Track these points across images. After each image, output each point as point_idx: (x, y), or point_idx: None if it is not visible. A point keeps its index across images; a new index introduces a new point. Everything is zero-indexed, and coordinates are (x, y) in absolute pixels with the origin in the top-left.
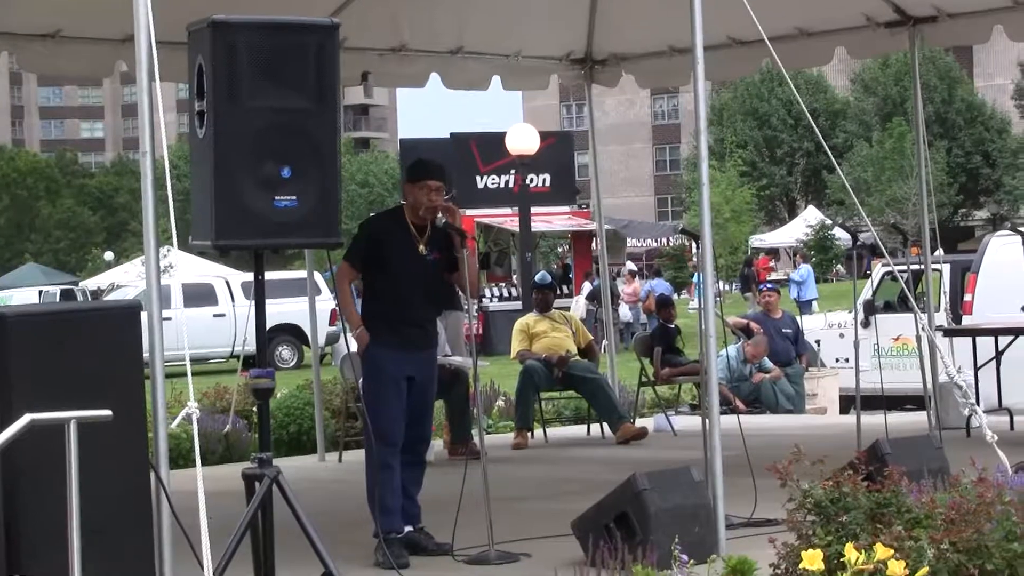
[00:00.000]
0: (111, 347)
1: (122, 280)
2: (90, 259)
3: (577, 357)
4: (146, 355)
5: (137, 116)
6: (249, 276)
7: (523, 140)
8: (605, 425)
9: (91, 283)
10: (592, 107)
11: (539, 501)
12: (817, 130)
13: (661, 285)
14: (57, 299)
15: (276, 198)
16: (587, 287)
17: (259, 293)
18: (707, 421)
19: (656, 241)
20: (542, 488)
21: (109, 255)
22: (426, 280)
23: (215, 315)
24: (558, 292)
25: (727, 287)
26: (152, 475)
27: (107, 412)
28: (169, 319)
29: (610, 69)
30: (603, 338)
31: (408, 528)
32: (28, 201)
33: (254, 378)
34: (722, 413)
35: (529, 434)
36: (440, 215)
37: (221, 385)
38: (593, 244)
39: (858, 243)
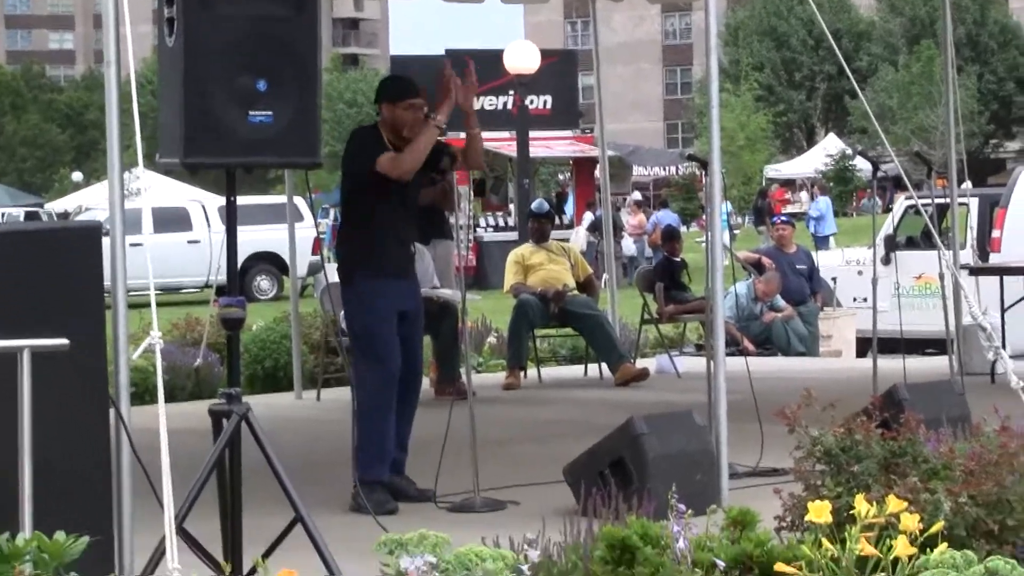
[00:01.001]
0: (69, 272)
1: (91, 202)
2: (57, 179)
3: (575, 292)
4: (108, 283)
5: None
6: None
7: (523, 58)
8: (604, 365)
9: (58, 205)
10: (596, 23)
11: (530, 445)
12: (839, 52)
13: (668, 216)
14: (22, 220)
15: (250, 113)
16: (588, 217)
17: (231, 216)
18: (711, 362)
19: (664, 170)
20: (533, 431)
21: (78, 176)
22: (410, 203)
23: (189, 241)
24: (556, 222)
25: (739, 219)
26: (112, 410)
27: (63, 341)
28: (139, 245)
29: None
30: (604, 272)
31: (391, 476)
32: None
33: (223, 307)
34: (730, 354)
35: (522, 373)
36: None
37: (193, 316)
38: (596, 171)
39: (879, 174)
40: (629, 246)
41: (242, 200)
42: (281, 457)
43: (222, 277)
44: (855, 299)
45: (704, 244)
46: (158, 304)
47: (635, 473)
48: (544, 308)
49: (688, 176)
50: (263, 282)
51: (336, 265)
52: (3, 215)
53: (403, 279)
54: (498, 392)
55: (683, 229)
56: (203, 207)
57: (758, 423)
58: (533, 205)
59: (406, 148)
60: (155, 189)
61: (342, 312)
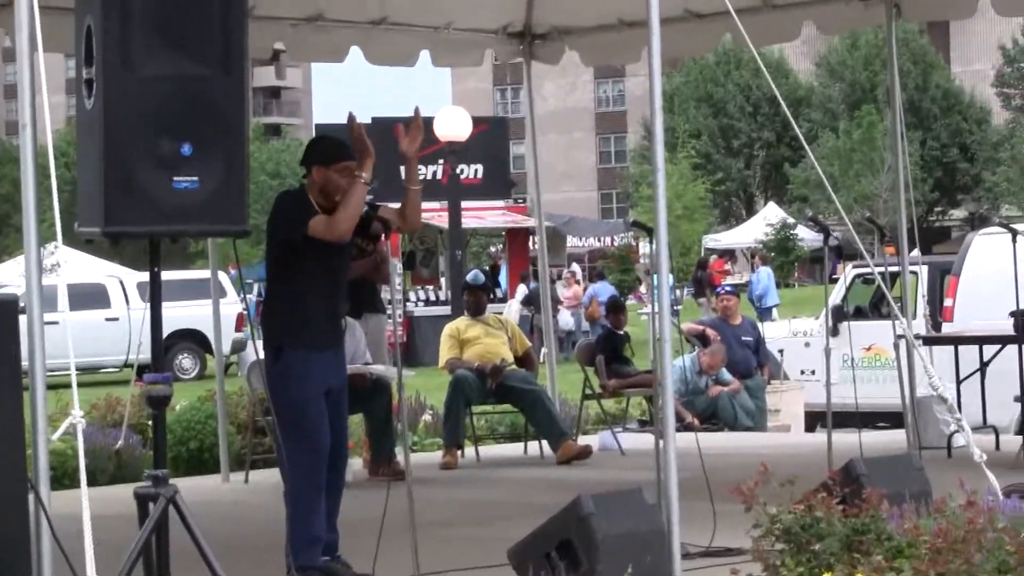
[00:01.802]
0: None
1: (3, 279)
2: None
3: (513, 366)
4: (25, 363)
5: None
6: (146, 276)
7: (453, 125)
8: (544, 443)
9: None
10: (531, 88)
11: (470, 527)
12: (788, 111)
13: (605, 288)
14: None
15: (175, 178)
16: (522, 290)
17: (155, 289)
18: (661, 437)
19: (599, 240)
20: (474, 512)
21: None
22: (339, 272)
23: (107, 319)
24: (490, 295)
25: (679, 292)
26: (31, 495)
27: None
28: (55, 323)
29: (552, 44)
30: (542, 346)
31: (324, 558)
32: None
33: (149, 383)
34: (677, 430)
35: (459, 452)
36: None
37: (113, 396)
38: (530, 242)
39: (829, 241)
40: (567, 319)
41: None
42: (210, 542)
43: (142, 356)
44: (803, 371)
45: (645, 316)
46: (81, 385)
47: (584, 555)
48: (481, 384)
49: (624, 247)
50: (185, 360)
51: (262, 339)
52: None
53: (331, 352)
54: (435, 472)
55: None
56: (121, 283)
57: (710, 501)
58: (468, 276)
59: (338, 208)
60: (72, 264)
61: (270, 389)
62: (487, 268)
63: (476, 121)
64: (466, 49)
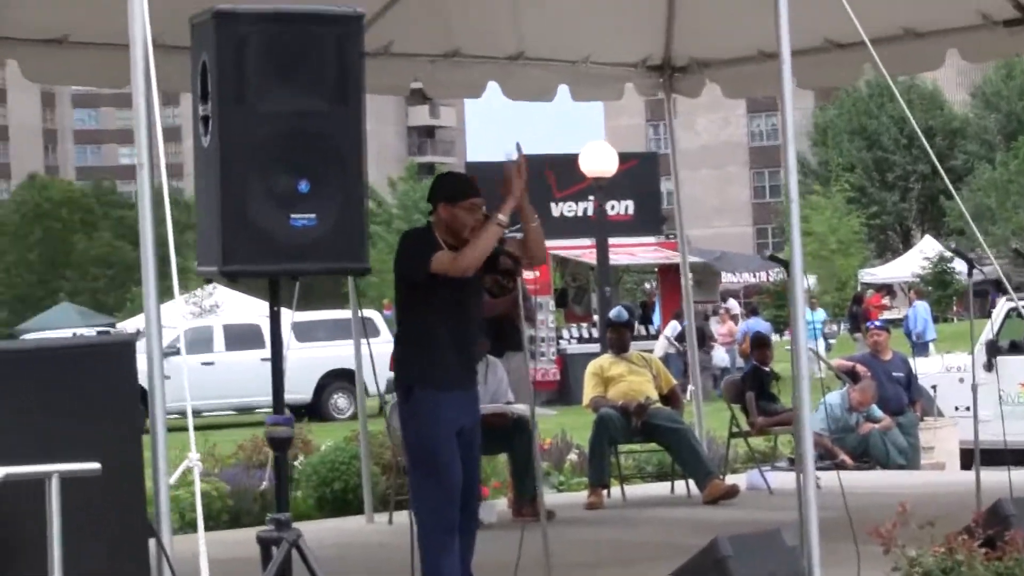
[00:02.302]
0: (101, 389)
1: (166, 321)
2: (129, 298)
3: (659, 404)
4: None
5: (181, 140)
6: (302, 316)
7: (600, 160)
8: (691, 482)
9: (130, 324)
10: (672, 121)
11: (612, 568)
12: (930, 150)
13: (759, 324)
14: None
15: (292, 216)
16: (674, 326)
17: (275, 328)
18: (800, 476)
19: (754, 276)
20: (616, 553)
21: None
22: (470, 310)
23: (263, 359)
24: (642, 332)
25: (835, 327)
26: (152, 540)
27: (95, 465)
28: (211, 364)
29: (692, 76)
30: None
31: None
32: (63, 234)
33: (270, 426)
34: (825, 468)
35: (605, 492)
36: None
37: (259, 437)
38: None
39: (976, 275)
40: (721, 356)
41: (315, 315)
42: None
43: (296, 395)
44: (957, 408)
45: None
46: (229, 425)
47: None
48: (626, 422)
49: (780, 282)
50: (340, 400)
51: (394, 379)
52: (74, 335)
53: (463, 392)
54: (580, 512)
55: (775, 337)
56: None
57: (854, 542)
58: (612, 314)
59: (467, 245)
60: (229, 305)
61: (402, 430)
62: (641, 303)
63: (626, 157)
64: (605, 83)
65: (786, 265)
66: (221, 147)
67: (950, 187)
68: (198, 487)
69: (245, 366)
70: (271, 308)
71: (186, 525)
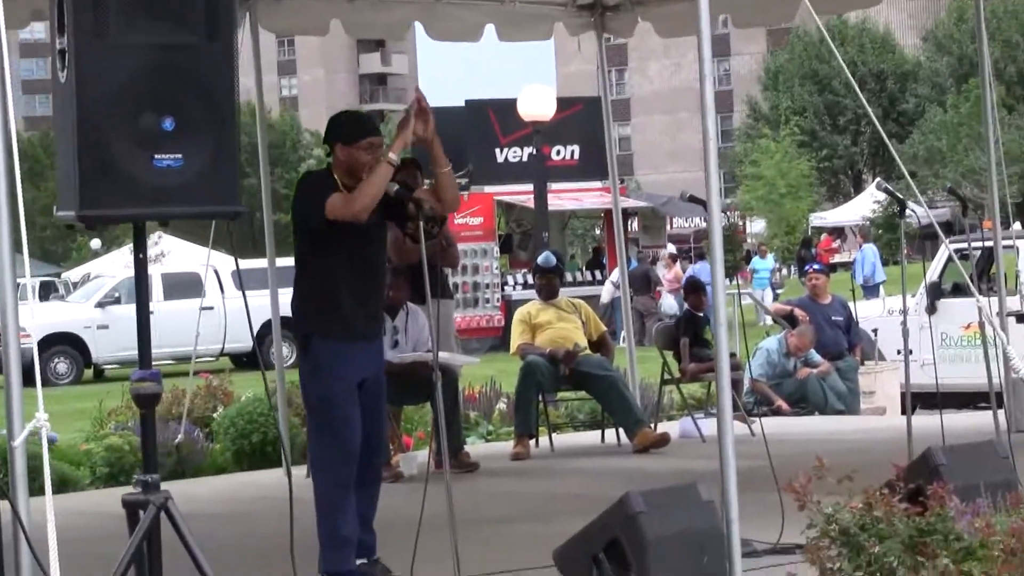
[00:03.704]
0: None
1: (105, 270)
2: (75, 247)
3: (588, 351)
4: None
5: None
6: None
7: (537, 104)
8: (622, 431)
9: (75, 274)
10: (604, 62)
11: (530, 523)
12: (895, 86)
13: (705, 270)
14: (36, 291)
15: (156, 156)
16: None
17: (140, 277)
18: (720, 425)
19: (704, 220)
20: (536, 507)
21: (96, 243)
22: (372, 257)
23: (202, 308)
24: (591, 278)
25: (785, 272)
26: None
27: None
28: (151, 313)
29: (624, 15)
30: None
31: (361, 561)
32: None
33: (135, 381)
34: (763, 415)
35: (532, 442)
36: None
37: (179, 388)
38: (631, 224)
39: (904, 215)
40: (670, 303)
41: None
42: (251, 540)
43: (237, 344)
44: (899, 351)
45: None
46: (171, 375)
47: (632, 556)
48: (554, 370)
49: (729, 227)
50: (284, 348)
51: (293, 330)
52: (17, 286)
53: (366, 342)
54: (505, 463)
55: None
56: (216, 272)
57: (778, 493)
58: (539, 259)
59: (358, 186)
60: (176, 254)
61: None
62: (593, 249)
63: (571, 102)
64: (532, 22)
65: (704, 205)
66: (78, 83)
67: (888, 143)
68: (46, 449)
69: (183, 315)
70: (136, 255)
71: (97, 480)
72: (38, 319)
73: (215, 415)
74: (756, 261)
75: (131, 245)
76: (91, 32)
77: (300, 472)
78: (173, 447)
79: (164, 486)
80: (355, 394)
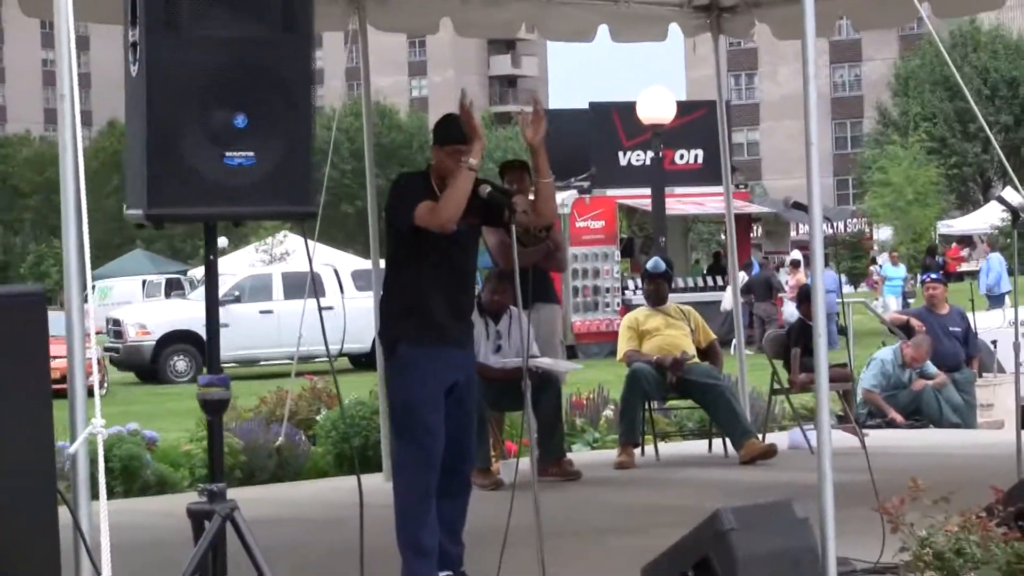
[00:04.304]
0: (6, 346)
1: (231, 268)
2: (203, 245)
3: (696, 360)
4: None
5: None
6: (364, 264)
7: (656, 106)
8: (728, 441)
9: (201, 272)
10: (720, 64)
11: (626, 535)
12: None
13: (828, 277)
14: (162, 289)
15: (227, 154)
16: (741, 277)
17: (210, 277)
18: (818, 440)
19: (831, 226)
20: (634, 518)
21: (223, 242)
22: (463, 263)
23: (322, 308)
24: (713, 283)
25: (914, 282)
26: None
27: None
28: (270, 312)
29: (740, 17)
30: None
31: (445, 573)
32: None
33: (202, 387)
34: (876, 426)
35: (638, 451)
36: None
37: (284, 389)
38: (754, 229)
39: (1018, 224)
40: (792, 310)
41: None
42: (339, 547)
43: (355, 345)
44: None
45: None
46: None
47: (723, 575)
48: (661, 378)
49: (856, 233)
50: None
51: (378, 333)
52: (144, 282)
53: (456, 348)
54: (609, 472)
55: (848, 289)
56: (336, 272)
57: (880, 516)
58: (648, 264)
59: (442, 196)
60: (301, 253)
61: (387, 387)
62: (714, 254)
63: (695, 106)
64: (647, 23)
65: (807, 211)
66: (148, 76)
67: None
68: (101, 456)
69: (305, 315)
70: (207, 256)
71: (196, 481)
72: (160, 316)
73: (318, 417)
74: (888, 268)
75: (258, 243)
76: (163, 25)
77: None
78: (274, 449)
79: (263, 489)
80: (440, 401)
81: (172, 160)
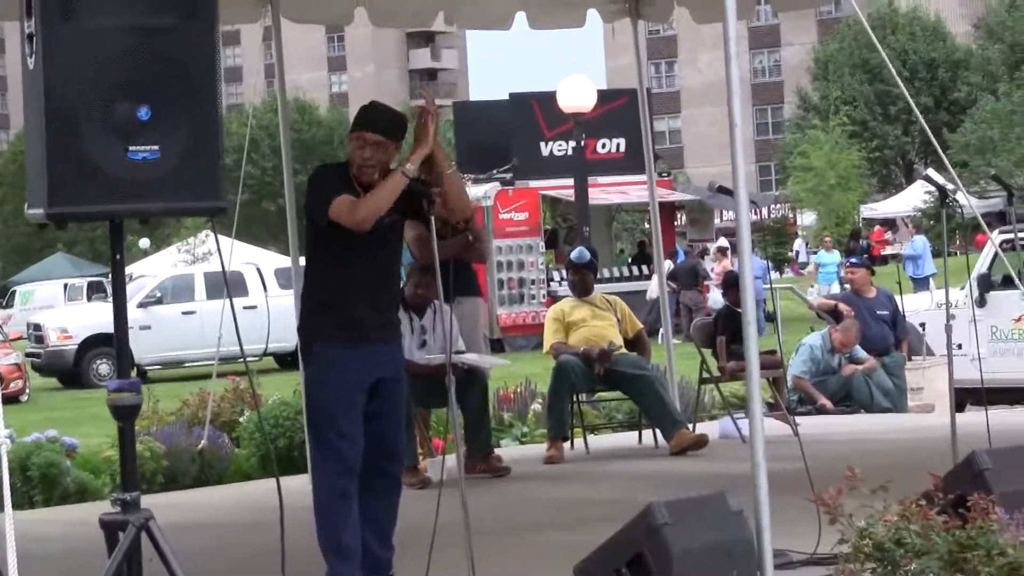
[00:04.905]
0: None
1: (151, 270)
2: (126, 247)
3: (623, 350)
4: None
5: None
6: (287, 262)
7: (577, 95)
8: (659, 432)
9: (127, 273)
10: (639, 52)
11: (556, 531)
12: (946, 75)
13: (756, 263)
14: (84, 292)
15: (131, 148)
16: (667, 266)
17: (117, 276)
18: (750, 430)
19: (755, 213)
20: (565, 514)
21: (145, 243)
22: (385, 258)
23: (245, 307)
24: (638, 272)
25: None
26: None
27: None
28: (192, 313)
29: (660, 1)
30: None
31: None
32: None
33: (113, 392)
34: (806, 413)
35: (566, 444)
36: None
37: (206, 391)
38: (679, 217)
39: (948, 199)
40: (717, 298)
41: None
42: (262, 550)
43: (281, 344)
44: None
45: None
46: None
47: (657, 571)
48: (588, 370)
49: (779, 219)
50: None
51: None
52: (65, 286)
53: (381, 345)
54: (538, 467)
55: (775, 275)
56: (258, 270)
57: (815, 505)
58: (572, 254)
59: (367, 194)
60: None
61: (303, 386)
62: (639, 243)
63: (617, 94)
64: (565, 10)
65: (731, 194)
66: (45, 68)
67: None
68: (5, 466)
69: (226, 314)
70: (112, 255)
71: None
72: (81, 320)
73: (241, 419)
74: (822, 255)
75: (180, 243)
76: (60, 14)
77: None
78: (196, 453)
79: (187, 493)
80: (357, 403)
81: (73, 155)
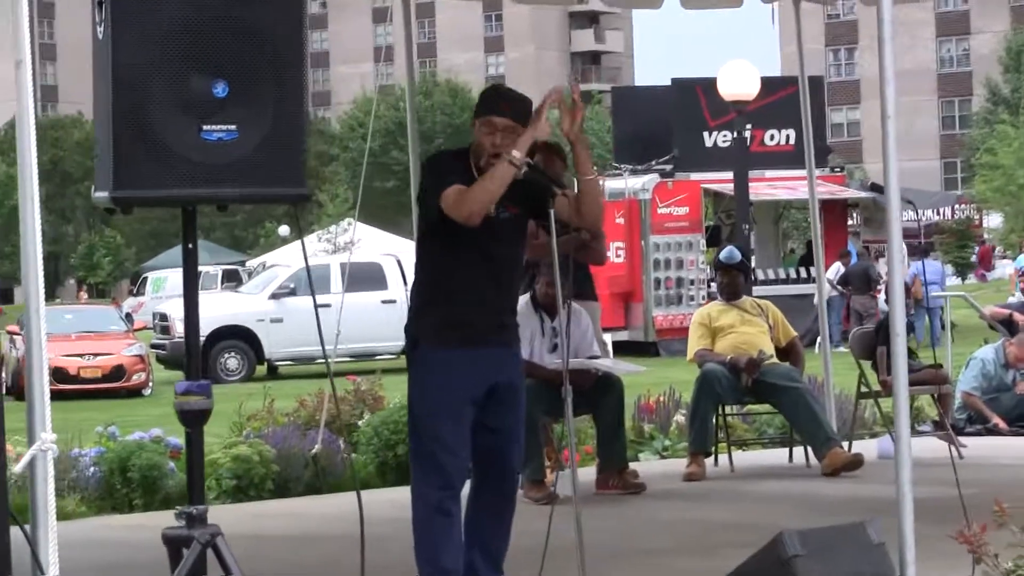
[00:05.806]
0: None
1: (283, 259)
2: (263, 234)
3: (775, 360)
4: None
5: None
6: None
7: (738, 81)
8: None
9: (260, 261)
10: (800, 31)
11: (686, 556)
12: None
13: (931, 267)
14: (219, 280)
15: (205, 127)
16: (837, 268)
17: (189, 270)
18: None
19: (937, 213)
20: (698, 537)
21: (284, 230)
22: (501, 251)
23: (383, 301)
24: (807, 275)
25: None
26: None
27: None
28: (328, 306)
29: None
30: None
31: None
32: None
33: (179, 395)
34: (976, 433)
35: (709, 460)
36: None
37: (323, 391)
38: (851, 216)
39: None
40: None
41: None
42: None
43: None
44: None
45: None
46: (343, 373)
47: None
48: (735, 380)
49: (963, 221)
50: None
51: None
52: (200, 274)
53: (496, 348)
54: (677, 484)
55: (954, 281)
56: (399, 262)
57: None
58: (721, 254)
59: (472, 185)
60: (368, 242)
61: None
62: (807, 243)
63: (786, 82)
64: None
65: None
66: (114, 39)
67: None
68: (51, 475)
69: (363, 309)
70: (184, 245)
71: (223, 494)
72: (211, 310)
73: (360, 423)
74: (1021, 260)
75: (321, 232)
76: None
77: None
78: (310, 459)
79: (299, 501)
80: (463, 412)
81: (142, 135)
